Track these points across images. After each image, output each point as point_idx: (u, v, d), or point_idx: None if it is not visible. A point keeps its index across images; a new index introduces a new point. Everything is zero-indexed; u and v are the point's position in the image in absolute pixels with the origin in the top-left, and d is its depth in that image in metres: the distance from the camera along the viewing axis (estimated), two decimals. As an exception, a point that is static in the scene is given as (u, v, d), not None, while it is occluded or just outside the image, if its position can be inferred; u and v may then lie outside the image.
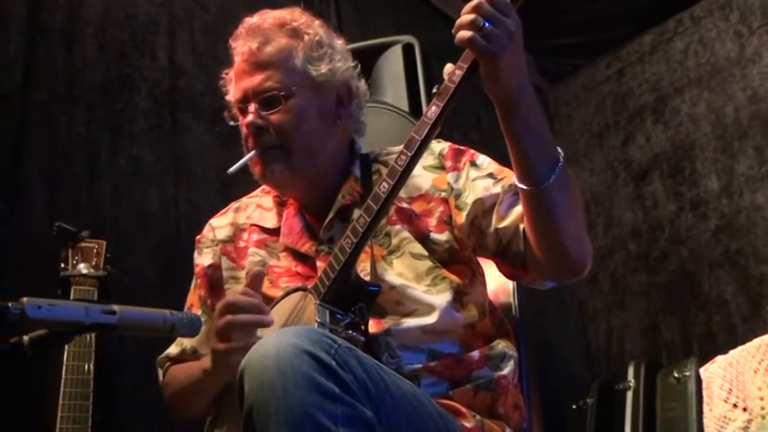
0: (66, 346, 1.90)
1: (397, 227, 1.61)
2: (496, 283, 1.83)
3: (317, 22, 1.70)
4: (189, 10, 3.18)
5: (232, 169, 1.60)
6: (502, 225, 1.54)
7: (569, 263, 1.47)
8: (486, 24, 1.33)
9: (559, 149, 1.44)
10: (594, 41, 4.49)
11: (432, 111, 1.43)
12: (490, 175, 1.61)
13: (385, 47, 2.69)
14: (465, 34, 1.34)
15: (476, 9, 1.34)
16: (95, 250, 2.09)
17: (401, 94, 2.62)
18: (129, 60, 2.89)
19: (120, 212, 2.63)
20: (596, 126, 4.51)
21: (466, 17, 1.35)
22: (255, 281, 1.51)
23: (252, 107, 1.61)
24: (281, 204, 1.73)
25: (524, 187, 1.42)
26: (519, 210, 1.52)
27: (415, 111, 2.57)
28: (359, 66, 1.74)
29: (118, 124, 2.77)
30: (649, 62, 4.34)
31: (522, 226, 1.51)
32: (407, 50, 2.66)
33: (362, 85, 1.73)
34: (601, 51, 4.53)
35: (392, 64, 2.67)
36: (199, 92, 3.02)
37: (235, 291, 1.51)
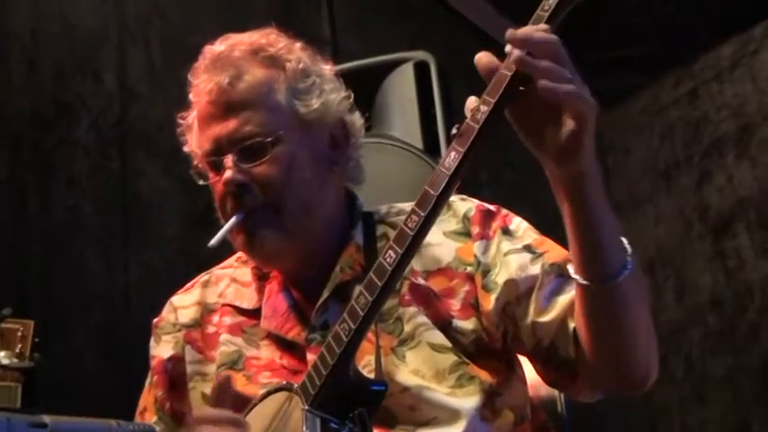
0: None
1: (412, 309, 1.61)
2: (535, 373, 1.82)
3: (297, 45, 1.71)
4: (144, 19, 3.22)
5: (213, 241, 1.60)
6: (542, 319, 1.54)
7: (633, 376, 1.49)
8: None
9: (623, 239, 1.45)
10: (658, 53, 4.51)
11: (451, 158, 1.41)
12: (527, 249, 1.61)
13: (392, 66, 2.71)
14: (569, 88, 1.33)
15: (565, 61, 1.34)
16: (20, 333, 2.07)
17: (413, 127, 2.63)
18: (67, 83, 2.91)
19: (52, 281, 2.63)
20: (662, 162, 4.52)
21: (557, 69, 1.33)
22: (221, 392, 1.48)
23: (228, 160, 1.61)
24: (261, 278, 1.73)
25: (588, 283, 1.42)
26: (566, 299, 1.52)
27: (431, 148, 2.59)
28: (351, 95, 1.75)
29: (51, 165, 2.78)
30: (729, 80, 4.35)
31: (572, 324, 1.51)
32: (421, 70, 2.69)
33: (357, 118, 1.75)
34: (667, 66, 4.55)
35: (401, 88, 2.69)
36: (155, 123, 3.04)
37: (207, 414, 1.49)
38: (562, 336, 1.52)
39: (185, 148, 1.72)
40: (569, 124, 1.34)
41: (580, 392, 1.56)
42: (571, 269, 1.45)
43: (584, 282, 1.42)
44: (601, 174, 1.41)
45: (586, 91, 1.35)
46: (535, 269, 1.57)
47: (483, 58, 1.38)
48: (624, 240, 1.44)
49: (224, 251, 1.78)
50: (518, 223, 1.66)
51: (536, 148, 1.38)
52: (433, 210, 1.42)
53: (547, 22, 1.38)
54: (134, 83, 3.08)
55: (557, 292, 1.54)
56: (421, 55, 2.70)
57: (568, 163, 1.37)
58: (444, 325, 1.60)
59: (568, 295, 1.52)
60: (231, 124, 1.61)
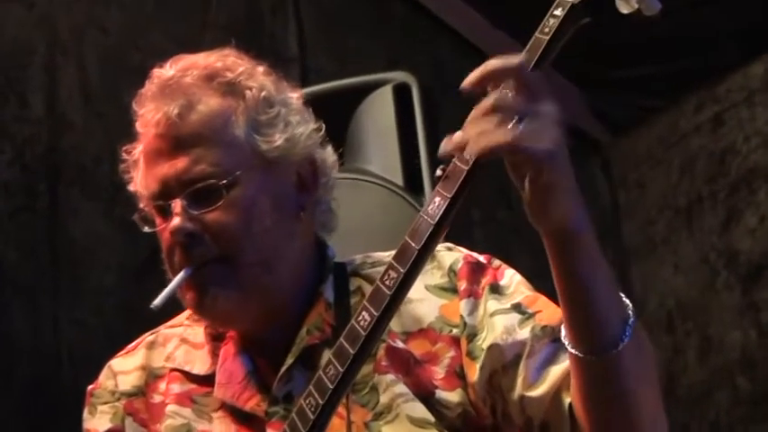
0: None
1: (389, 377, 1.61)
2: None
3: (259, 69, 1.71)
4: (78, 31, 3.21)
5: (157, 301, 1.60)
6: (532, 394, 1.53)
7: None
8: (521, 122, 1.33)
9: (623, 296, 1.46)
10: (677, 72, 4.52)
11: (435, 205, 1.42)
12: (516, 308, 1.61)
13: (368, 88, 2.73)
14: (498, 138, 1.32)
15: (498, 106, 1.34)
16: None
17: (392, 160, 2.65)
18: (-14, 109, 2.92)
19: (-31, 340, 2.62)
20: (683, 199, 4.53)
21: (485, 120, 1.33)
22: None
23: (177, 205, 1.61)
24: (216, 339, 1.73)
25: (582, 355, 1.42)
26: (560, 370, 1.52)
27: (413, 185, 2.60)
28: (323, 128, 1.75)
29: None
30: (762, 103, 4.37)
31: (567, 399, 1.50)
32: (401, 93, 2.70)
33: (329, 154, 1.76)
34: (687, 87, 4.56)
35: (379, 114, 2.71)
36: (92, 154, 3.04)
37: None
38: (555, 414, 1.51)
39: (130, 187, 1.72)
40: (526, 177, 1.36)
41: None
42: (564, 336, 1.46)
43: (575, 352, 1.43)
44: (591, 232, 1.41)
45: (546, 121, 1.34)
46: (524, 333, 1.57)
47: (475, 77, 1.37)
48: (626, 301, 1.45)
49: (173, 307, 1.77)
50: (510, 277, 1.67)
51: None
52: (413, 265, 1.43)
53: (547, 47, 1.38)
54: (65, 107, 3.08)
55: (550, 360, 1.54)
56: (401, 76, 2.72)
57: (539, 220, 1.39)
58: (426, 396, 1.60)
59: (564, 365, 1.51)
60: (180, 163, 1.61)
